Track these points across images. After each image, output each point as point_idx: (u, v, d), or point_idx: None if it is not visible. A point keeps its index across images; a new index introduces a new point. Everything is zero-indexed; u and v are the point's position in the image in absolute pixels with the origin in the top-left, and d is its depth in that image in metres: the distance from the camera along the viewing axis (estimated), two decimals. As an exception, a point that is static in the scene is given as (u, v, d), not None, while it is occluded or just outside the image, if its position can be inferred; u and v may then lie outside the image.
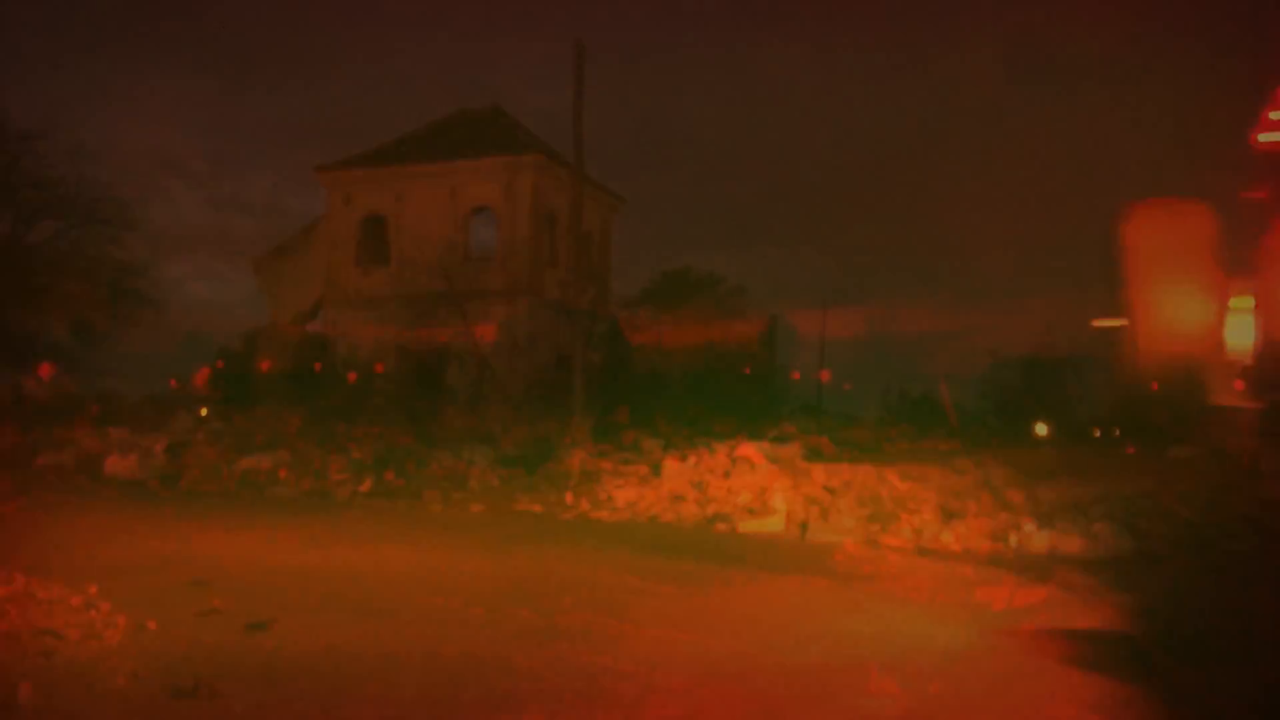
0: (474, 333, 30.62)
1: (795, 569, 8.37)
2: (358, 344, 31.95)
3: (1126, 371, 27.86)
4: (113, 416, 18.55)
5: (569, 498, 12.87)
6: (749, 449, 21.29)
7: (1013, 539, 9.57)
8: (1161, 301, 20.92)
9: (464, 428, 19.19)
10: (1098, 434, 36.34)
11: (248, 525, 10.51)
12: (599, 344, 31.04)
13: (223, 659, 5.25)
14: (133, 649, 5.36)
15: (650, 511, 11.93)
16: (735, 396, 32.47)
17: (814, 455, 23.14)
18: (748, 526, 10.86)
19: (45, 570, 7.08)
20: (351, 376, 30.39)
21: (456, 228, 33.26)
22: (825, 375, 50.87)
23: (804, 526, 10.63)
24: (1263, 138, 13.61)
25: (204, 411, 19.94)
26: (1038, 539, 9.46)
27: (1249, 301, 16.82)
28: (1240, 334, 17.73)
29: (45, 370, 27.13)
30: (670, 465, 15.39)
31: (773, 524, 10.81)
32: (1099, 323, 34.07)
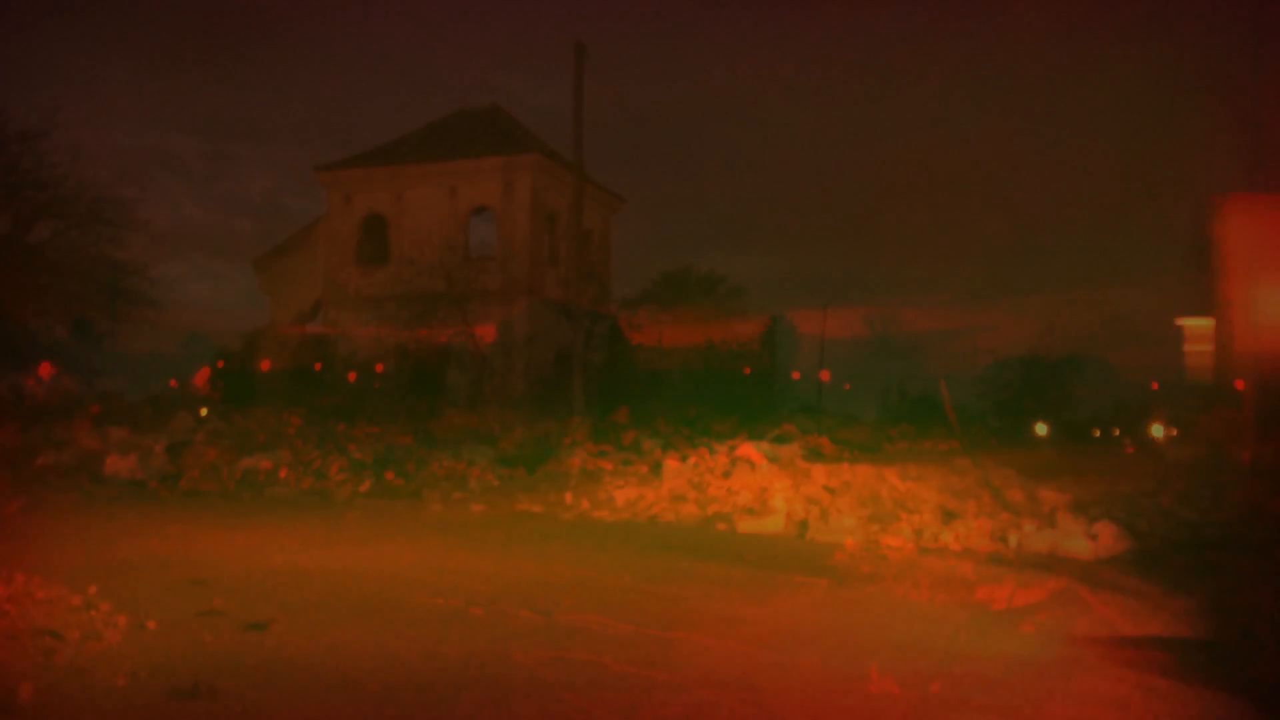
0: (474, 333, 30.62)
1: (795, 569, 8.37)
2: (358, 344, 31.97)
3: (1212, 370, 27.02)
4: (113, 416, 18.53)
5: (569, 498, 12.87)
6: (749, 449, 21.30)
7: (1013, 539, 9.57)
8: (1260, 298, 20.03)
9: (464, 428, 19.21)
10: (1097, 434, 36.33)
11: (248, 525, 10.51)
12: (599, 344, 31.06)
13: (222, 659, 5.25)
14: (133, 649, 5.36)
15: (650, 512, 11.93)
16: (735, 396, 32.51)
17: (814, 455, 23.16)
18: (748, 526, 10.86)
19: (45, 570, 7.08)
20: (351, 376, 30.42)
21: (456, 228, 33.26)
22: (825, 375, 50.95)
23: (804, 526, 10.63)
24: None
25: (204, 411, 19.94)
26: (1038, 539, 9.45)
27: None
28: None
29: (45, 370, 27.12)
30: (670, 465, 15.40)
31: (772, 524, 10.81)
32: (1183, 321, 33.67)
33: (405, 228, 33.77)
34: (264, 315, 36.72)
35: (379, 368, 30.87)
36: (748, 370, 38.89)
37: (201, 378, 32.05)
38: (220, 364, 33.34)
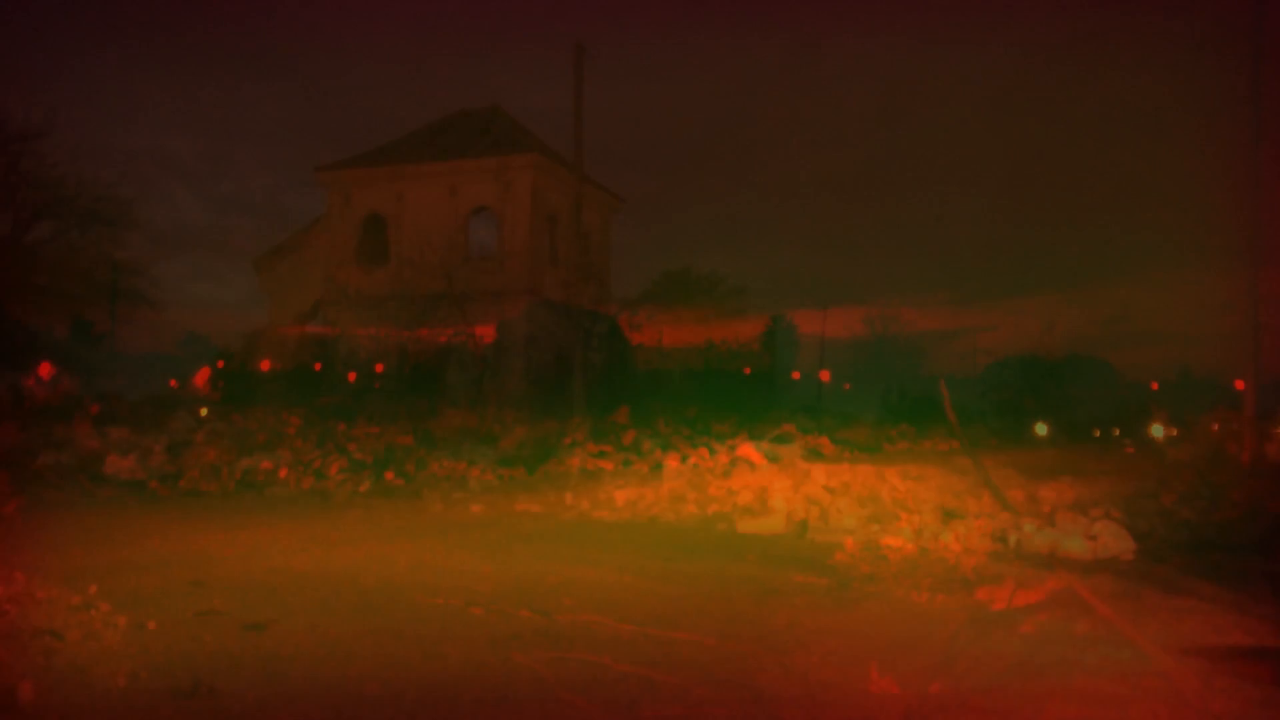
0: (474, 333, 30.63)
1: (795, 569, 8.37)
2: (358, 344, 31.98)
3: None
4: (113, 416, 18.54)
5: (569, 498, 12.88)
6: (749, 449, 21.33)
7: (1013, 539, 9.57)
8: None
9: (464, 428, 19.21)
10: (1097, 434, 36.33)
11: (248, 525, 10.51)
12: (599, 344, 31.08)
13: (222, 659, 5.25)
14: (133, 649, 5.36)
15: (650, 512, 11.93)
16: (735, 396, 32.55)
17: (814, 455, 23.19)
18: (748, 527, 10.87)
19: (45, 570, 7.09)
20: (351, 376, 30.43)
21: (456, 228, 33.26)
22: (825, 375, 51.01)
23: (804, 526, 10.63)
24: None
25: (204, 411, 19.95)
26: (1038, 539, 9.45)
27: None
28: None
29: (45, 370, 27.14)
30: (670, 465, 15.42)
31: (772, 524, 10.81)
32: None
33: (405, 228, 33.77)
34: (264, 315, 36.75)
35: (379, 368, 30.89)
36: (748, 370, 38.93)
37: (201, 378, 32.07)
38: (220, 364, 33.35)
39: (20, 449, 15.03)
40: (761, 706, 4.70)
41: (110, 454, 14.86)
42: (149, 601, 6.46)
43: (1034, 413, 38.30)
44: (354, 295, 33.17)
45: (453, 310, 30.60)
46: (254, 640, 5.67)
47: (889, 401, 43.91)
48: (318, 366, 31.88)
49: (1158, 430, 29.36)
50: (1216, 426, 19.49)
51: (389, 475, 15.15)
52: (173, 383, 32.48)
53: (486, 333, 31.04)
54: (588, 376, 27.47)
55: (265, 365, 32.19)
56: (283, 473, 14.56)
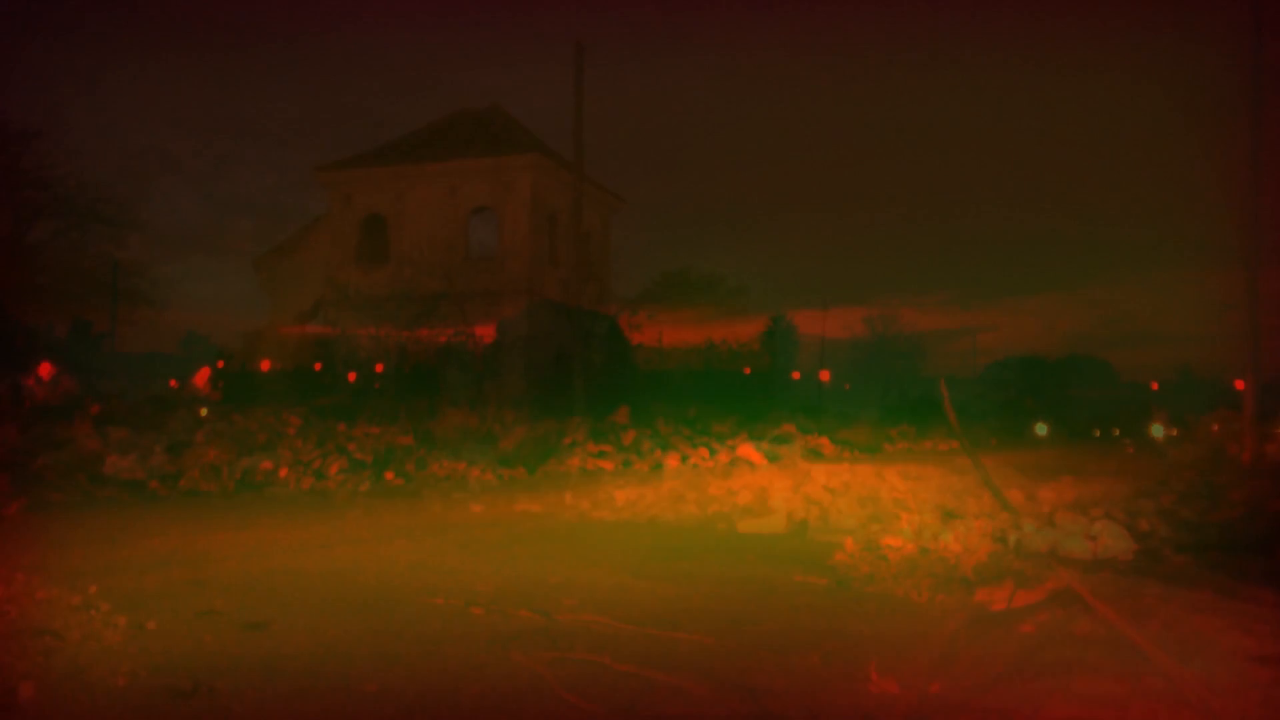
0: (474, 333, 30.64)
1: (795, 569, 8.37)
2: (357, 344, 31.99)
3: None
4: (113, 416, 18.53)
5: (569, 498, 12.88)
6: (749, 449, 21.33)
7: (1012, 539, 9.56)
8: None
9: (464, 428, 19.21)
10: (1098, 434, 36.32)
11: (248, 525, 10.51)
12: (599, 344, 31.07)
13: (222, 659, 5.25)
14: (133, 649, 5.36)
15: (650, 512, 11.94)
16: (735, 396, 32.56)
17: (814, 455, 23.18)
18: (747, 527, 10.87)
19: (45, 570, 7.09)
20: (351, 376, 30.42)
21: (456, 228, 33.27)
22: (825, 375, 50.98)
23: (804, 526, 10.64)
24: None
25: (204, 411, 19.94)
26: (1038, 539, 9.45)
27: None
28: None
29: (45, 370, 27.13)
30: (670, 465, 15.42)
31: (772, 524, 10.81)
32: None
33: (405, 228, 33.77)
34: (264, 315, 36.77)
35: (379, 368, 30.89)
36: (748, 370, 38.92)
37: (201, 378, 32.06)
38: (220, 364, 33.36)
39: (20, 449, 15.03)
40: (761, 706, 4.70)
41: (110, 454, 14.86)
42: (149, 601, 6.46)
43: (1034, 413, 38.32)
44: (354, 295, 33.18)
45: (452, 310, 30.62)
46: (254, 640, 5.67)
47: (889, 401, 43.94)
48: (318, 366, 31.89)
49: (1158, 430, 29.38)
50: (1217, 426, 19.50)
51: (389, 475, 15.15)
52: (173, 383, 32.45)
53: (486, 333, 31.05)
54: (588, 376, 27.47)
55: (265, 365, 32.19)
56: (283, 473, 14.56)
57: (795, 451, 22.88)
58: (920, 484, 12.22)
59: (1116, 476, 14.20)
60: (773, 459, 21.15)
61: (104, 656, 5.19)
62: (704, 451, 20.75)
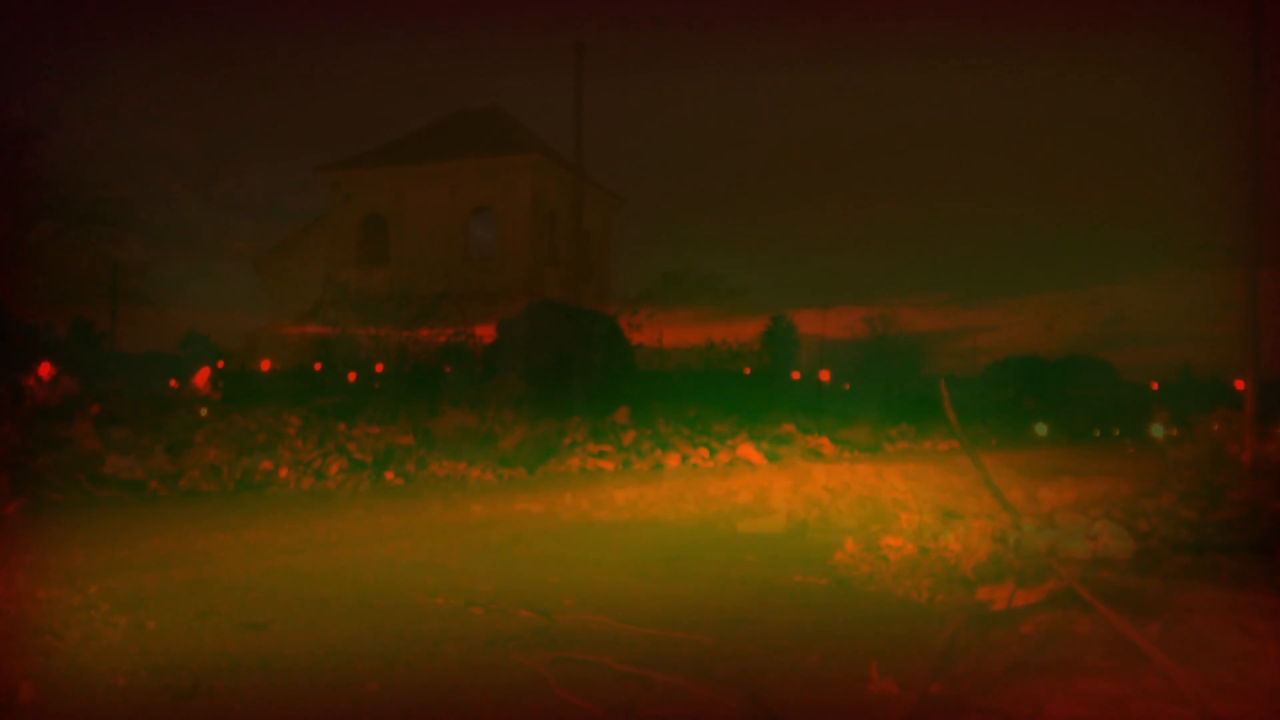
0: (474, 333, 30.65)
1: (795, 569, 8.37)
2: (357, 344, 32.00)
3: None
4: (113, 416, 18.52)
5: (569, 498, 12.89)
6: (749, 449, 21.32)
7: (1012, 539, 9.56)
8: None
9: (464, 428, 19.21)
10: (1098, 434, 36.30)
11: (248, 525, 10.51)
12: (599, 344, 31.07)
13: (222, 659, 5.25)
14: (132, 649, 5.36)
15: (650, 512, 11.94)
16: (735, 396, 32.55)
17: (813, 455, 23.18)
18: (747, 527, 10.87)
19: (45, 570, 7.09)
20: (351, 376, 30.43)
21: (456, 227, 33.29)
22: (825, 375, 50.96)
23: (804, 526, 10.64)
24: None
25: (204, 411, 19.93)
26: (1038, 539, 9.44)
27: None
28: None
29: (45, 370, 27.12)
30: (670, 465, 15.41)
31: (772, 524, 10.81)
32: None
33: (405, 228, 33.78)
34: (264, 315, 36.79)
35: (379, 368, 30.90)
36: (748, 370, 38.92)
37: (201, 378, 32.03)
38: (220, 364, 33.35)
39: (20, 449, 15.03)
40: (761, 706, 4.70)
41: (110, 454, 14.86)
42: (149, 601, 6.46)
43: (1034, 413, 38.31)
44: (354, 295, 33.19)
45: (452, 310, 30.62)
46: (254, 640, 5.66)
47: (889, 401, 43.91)
48: (318, 366, 31.89)
49: (1158, 430, 29.39)
50: (1217, 426, 19.49)
51: (389, 475, 15.15)
52: (173, 383, 32.44)
53: (486, 332, 31.05)
54: (587, 376, 27.48)
55: (265, 365, 32.20)
56: (283, 472, 14.56)
57: (795, 451, 22.88)
58: (920, 484, 12.23)
59: (1116, 476, 14.20)
60: (772, 459, 21.14)
61: (104, 656, 5.19)
62: (704, 451, 20.75)
